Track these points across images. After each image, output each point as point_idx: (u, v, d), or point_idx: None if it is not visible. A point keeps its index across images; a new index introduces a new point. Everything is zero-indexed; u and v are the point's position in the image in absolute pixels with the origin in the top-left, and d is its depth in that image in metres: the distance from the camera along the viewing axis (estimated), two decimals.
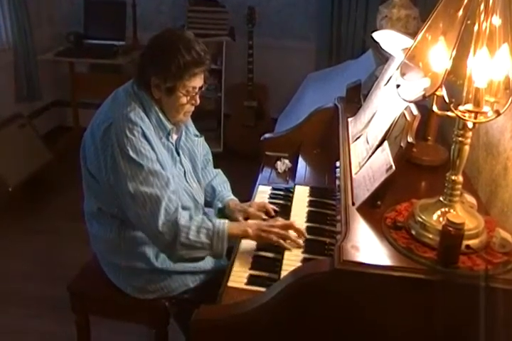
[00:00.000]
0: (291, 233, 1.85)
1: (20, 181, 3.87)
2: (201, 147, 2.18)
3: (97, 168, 1.88)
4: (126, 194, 1.80)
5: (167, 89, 1.86)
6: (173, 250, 1.82)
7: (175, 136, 2.01)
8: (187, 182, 2.04)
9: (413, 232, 1.46)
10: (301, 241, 1.83)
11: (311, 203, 2.11)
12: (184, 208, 1.94)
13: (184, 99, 1.89)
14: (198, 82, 1.89)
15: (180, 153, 2.04)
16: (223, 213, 2.17)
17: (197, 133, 2.18)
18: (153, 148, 1.85)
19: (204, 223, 1.83)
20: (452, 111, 1.29)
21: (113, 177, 1.83)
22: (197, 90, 1.90)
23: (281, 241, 1.82)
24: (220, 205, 2.19)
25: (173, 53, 1.82)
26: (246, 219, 2.07)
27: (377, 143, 1.80)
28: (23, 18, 4.24)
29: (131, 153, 1.79)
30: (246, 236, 1.86)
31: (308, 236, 1.87)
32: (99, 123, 1.87)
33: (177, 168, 2.00)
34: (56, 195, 3.98)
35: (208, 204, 2.24)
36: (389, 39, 2.20)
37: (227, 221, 1.88)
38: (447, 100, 1.30)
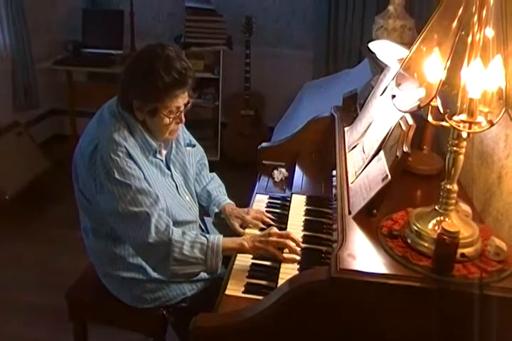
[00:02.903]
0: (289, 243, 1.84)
1: (17, 189, 3.87)
2: (193, 157, 2.16)
3: (89, 189, 1.87)
4: (116, 215, 1.80)
5: (149, 112, 1.84)
6: (167, 266, 1.80)
7: (164, 152, 2.00)
8: (180, 195, 2.03)
9: (409, 241, 1.47)
10: (298, 250, 1.84)
11: (307, 212, 2.12)
12: (182, 222, 1.95)
13: (167, 120, 1.85)
14: (180, 101, 1.84)
15: (171, 167, 2.03)
16: (220, 218, 2.18)
17: (193, 141, 2.18)
18: (139, 167, 1.83)
19: (198, 238, 1.83)
20: (447, 121, 1.31)
21: (101, 200, 1.82)
22: (181, 109, 1.87)
23: (277, 253, 1.81)
24: (216, 210, 2.19)
25: (152, 76, 1.76)
26: (242, 227, 2.09)
27: (373, 152, 1.81)
28: (21, 26, 4.26)
29: (116, 175, 1.77)
30: (242, 249, 1.85)
31: (304, 245, 1.88)
32: (87, 145, 1.85)
33: (168, 183, 2.00)
34: (53, 203, 3.98)
35: (204, 209, 2.24)
36: (384, 49, 2.22)
37: (221, 236, 1.87)
38: (442, 110, 1.32)
